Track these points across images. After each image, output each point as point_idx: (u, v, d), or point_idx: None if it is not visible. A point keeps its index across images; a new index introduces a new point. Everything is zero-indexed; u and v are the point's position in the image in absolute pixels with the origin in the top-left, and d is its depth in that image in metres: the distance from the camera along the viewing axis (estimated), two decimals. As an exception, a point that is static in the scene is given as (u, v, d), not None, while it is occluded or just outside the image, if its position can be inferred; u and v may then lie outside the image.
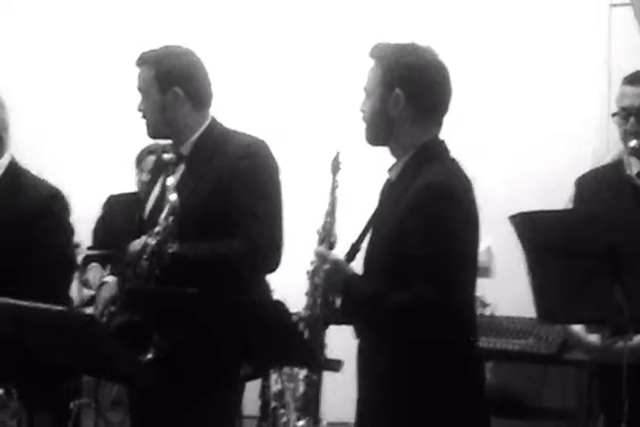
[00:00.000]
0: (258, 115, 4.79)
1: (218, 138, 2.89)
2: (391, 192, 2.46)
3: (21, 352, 2.30)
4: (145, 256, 2.69)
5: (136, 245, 2.75)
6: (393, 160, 2.49)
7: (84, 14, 5.44)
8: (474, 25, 4.82)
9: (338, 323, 2.46)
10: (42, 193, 2.88)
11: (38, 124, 5.32)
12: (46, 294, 2.61)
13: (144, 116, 2.91)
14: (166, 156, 2.90)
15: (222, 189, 2.79)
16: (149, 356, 2.58)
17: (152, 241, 2.68)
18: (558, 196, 3.22)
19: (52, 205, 2.87)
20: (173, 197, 2.69)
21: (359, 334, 2.47)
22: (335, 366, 2.49)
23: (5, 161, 2.92)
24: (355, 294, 2.35)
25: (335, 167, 2.48)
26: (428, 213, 2.27)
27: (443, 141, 2.47)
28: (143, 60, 2.90)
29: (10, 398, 2.41)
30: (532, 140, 4.65)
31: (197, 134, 2.90)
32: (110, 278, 2.89)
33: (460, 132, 4.51)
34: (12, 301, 2.22)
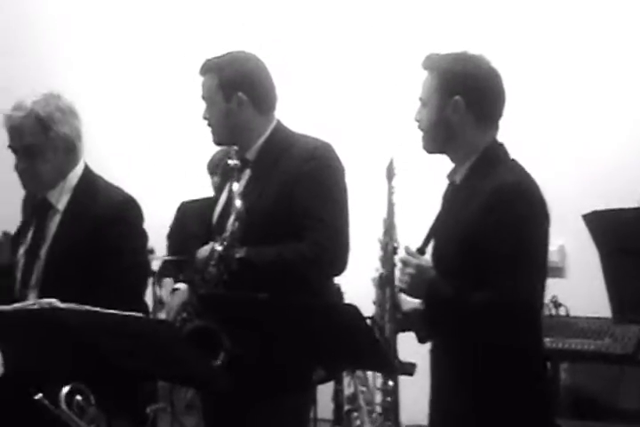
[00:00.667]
0: (316, 120, 4.84)
1: (283, 142, 2.88)
2: (457, 195, 2.49)
3: (99, 359, 2.34)
4: (212, 262, 2.71)
5: (204, 251, 2.77)
6: (444, 165, 2.53)
7: (153, 23, 5.55)
8: (538, 26, 4.78)
9: (403, 330, 2.48)
10: (115, 200, 2.91)
11: (113, 132, 5.46)
12: (122, 299, 2.69)
13: (209, 124, 2.92)
14: (230, 161, 2.86)
15: (288, 193, 2.78)
16: (220, 360, 2.61)
17: (219, 247, 2.70)
18: (632, 194, 3.18)
19: (125, 212, 2.90)
20: (238, 203, 2.70)
21: (422, 339, 2.51)
22: (409, 369, 2.49)
23: (80, 169, 2.95)
24: (438, 296, 2.36)
25: (390, 173, 2.49)
26: (504, 213, 2.31)
27: (502, 144, 2.51)
28: (207, 69, 2.91)
29: (88, 405, 2.45)
30: (605, 139, 4.59)
31: (263, 139, 2.89)
32: (182, 285, 2.92)
33: (532, 132, 4.54)
34: (89, 308, 2.26)
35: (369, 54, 5.13)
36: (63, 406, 2.33)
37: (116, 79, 5.53)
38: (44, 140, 2.84)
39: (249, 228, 2.72)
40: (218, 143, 3.00)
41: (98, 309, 2.24)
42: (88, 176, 2.97)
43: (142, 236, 2.96)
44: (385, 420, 2.43)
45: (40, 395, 2.29)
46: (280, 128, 2.93)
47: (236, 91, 2.84)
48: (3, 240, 2.91)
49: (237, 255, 2.72)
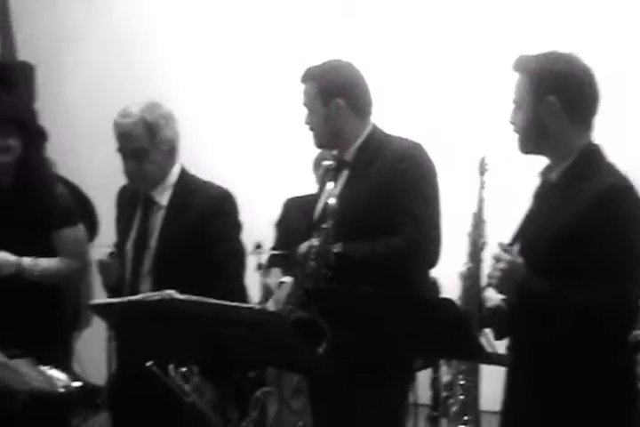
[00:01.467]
0: (413, 118, 5.01)
1: (378, 143, 3.08)
2: (553, 194, 2.50)
3: (215, 346, 2.55)
4: (312, 257, 2.92)
5: (303, 246, 3.00)
6: (535, 162, 2.57)
7: (258, 26, 5.71)
8: (630, 24, 4.81)
9: (485, 326, 2.55)
10: (213, 194, 3.22)
11: (223, 137, 5.66)
12: (226, 281, 3.09)
13: (311, 129, 3.13)
14: (326, 162, 3.13)
15: (383, 192, 2.98)
16: (322, 349, 2.78)
17: (316, 242, 2.92)
18: None
19: (223, 204, 3.21)
20: (332, 200, 2.93)
21: (501, 336, 2.55)
22: (502, 360, 2.59)
23: (178, 168, 3.26)
24: (531, 292, 2.36)
25: (482, 169, 2.56)
26: (613, 214, 2.33)
27: (598, 145, 2.51)
28: (307, 77, 3.12)
29: (192, 374, 2.71)
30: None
31: (360, 141, 3.09)
32: (288, 278, 3.12)
33: (625, 132, 4.56)
34: (206, 299, 2.46)
35: (463, 55, 5.27)
36: (172, 373, 2.58)
37: (226, 84, 5.71)
38: (150, 144, 3.14)
39: (347, 224, 2.93)
40: (319, 146, 3.21)
41: (214, 300, 2.45)
42: (185, 174, 3.28)
43: (239, 226, 3.25)
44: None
45: (151, 363, 2.54)
46: (375, 131, 3.13)
47: (335, 97, 3.05)
48: (110, 261, 3.18)
49: (335, 250, 2.92)
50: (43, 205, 3.41)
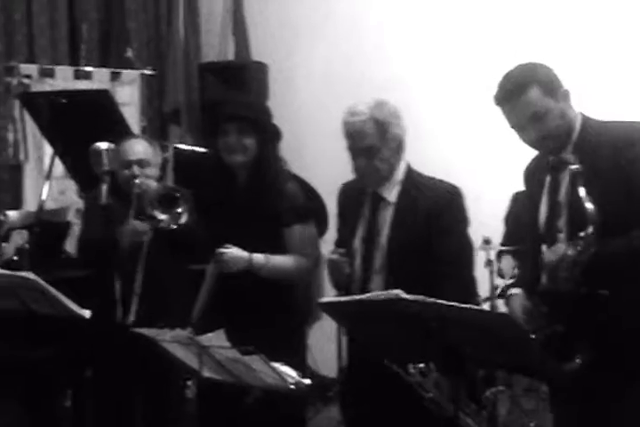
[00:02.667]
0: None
1: (595, 132, 2.81)
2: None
3: (446, 346, 2.53)
4: (566, 266, 2.68)
5: (553, 254, 2.74)
6: None
7: (488, 22, 5.61)
8: None
9: None
10: (442, 189, 3.22)
11: (452, 129, 5.60)
12: (455, 278, 3.10)
13: (548, 136, 2.81)
14: (573, 166, 2.75)
15: (622, 179, 2.73)
16: (576, 362, 2.63)
17: (571, 251, 2.66)
18: None
19: (453, 198, 3.21)
20: (590, 206, 2.64)
21: None
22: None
23: (404, 165, 3.27)
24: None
25: None
26: None
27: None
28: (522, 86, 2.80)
29: (430, 371, 2.71)
30: None
31: (576, 134, 2.82)
32: (517, 291, 2.99)
33: None
34: (432, 300, 2.44)
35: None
36: (411, 369, 2.59)
37: (451, 77, 5.65)
38: (381, 141, 3.16)
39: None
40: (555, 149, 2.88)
41: (441, 300, 2.42)
42: (411, 170, 3.28)
43: (466, 221, 3.23)
44: None
45: (390, 362, 2.56)
46: (587, 119, 2.86)
47: (559, 87, 2.80)
48: (342, 259, 3.24)
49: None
50: (276, 203, 3.49)
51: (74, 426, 4.38)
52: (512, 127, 2.82)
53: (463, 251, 3.21)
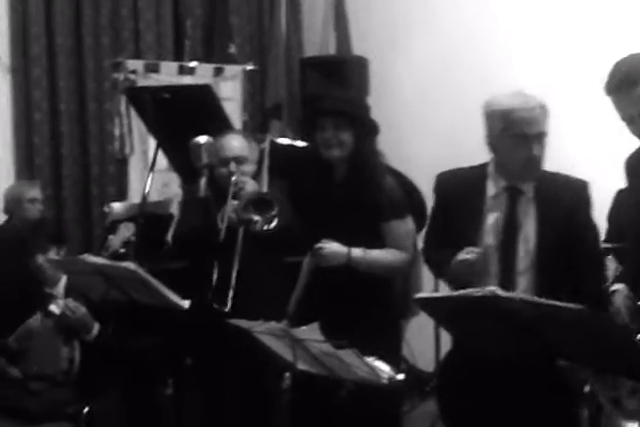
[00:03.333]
0: None
1: None
2: None
3: (544, 344, 2.49)
4: None
5: None
6: None
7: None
8: None
9: None
10: (577, 183, 3.18)
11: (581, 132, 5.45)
12: (599, 274, 3.12)
13: None
14: None
15: None
16: None
17: None
18: None
19: (588, 194, 3.17)
20: None
21: None
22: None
23: None
24: None
25: None
26: None
27: None
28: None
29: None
30: None
31: None
32: (620, 286, 2.92)
33: None
34: (527, 297, 2.41)
35: None
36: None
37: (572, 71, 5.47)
38: (547, 129, 3.10)
39: None
40: None
41: (538, 298, 2.38)
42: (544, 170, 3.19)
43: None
44: None
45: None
46: None
47: None
48: (480, 258, 3.11)
49: None
50: (374, 198, 3.49)
51: (175, 414, 4.46)
52: (622, 119, 2.75)
53: (598, 243, 3.20)
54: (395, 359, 3.45)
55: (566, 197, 3.12)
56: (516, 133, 3.06)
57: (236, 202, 3.67)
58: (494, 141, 3.13)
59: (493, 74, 5.43)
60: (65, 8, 6.05)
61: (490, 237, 3.13)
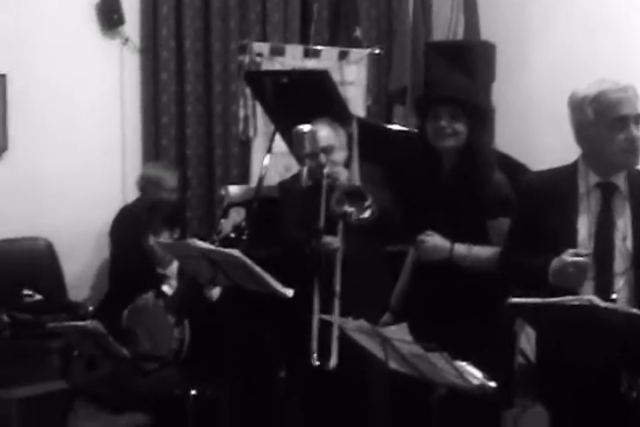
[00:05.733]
0: None
1: None
2: None
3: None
4: None
5: None
6: None
7: None
8: None
9: None
10: None
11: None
12: None
13: None
14: None
15: None
16: None
17: None
18: None
19: None
20: None
21: None
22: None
23: None
24: None
25: None
26: None
27: None
28: None
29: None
30: None
31: None
32: None
33: None
34: (630, 310, 2.29)
35: None
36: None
37: None
38: None
39: None
40: None
41: (633, 310, 2.27)
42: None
43: None
44: None
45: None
46: None
47: None
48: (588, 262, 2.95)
49: None
50: (481, 193, 3.39)
51: (286, 396, 4.47)
52: None
53: None
54: (502, 362, 3.38)
55: None
56: (613, 117, 2.89)
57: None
58: (586, 132, 2.94)
59: (631, 62, 5.20)
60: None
61: (585, 239, 2.93)
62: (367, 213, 3.49)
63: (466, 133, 3.43)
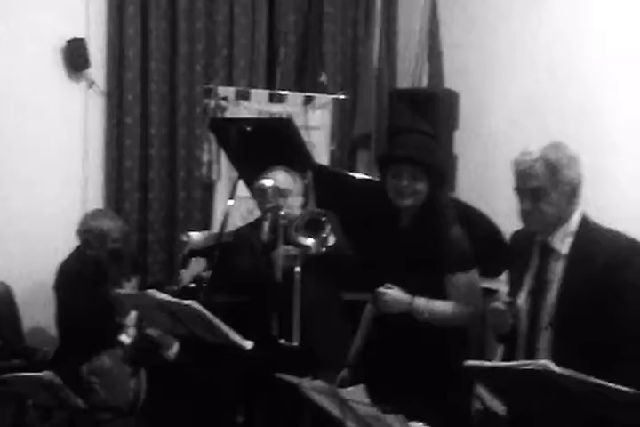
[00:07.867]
0: None
1: None
2: None
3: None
4: None
5: None
6: None
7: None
8: None
9: None
10: (619, 245, 2.93)
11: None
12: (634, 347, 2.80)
13: None
14: None
15: None
16: None
17: None
18: None
19: (631, 258, 2.90)
20: None
21: None
22: None
23: (578, 215, 3.05)
24: None
25: None
26: None
27: None
28: None
29: None
30: None
31: None
32: None
33: None
34: (584, 377, 2.28)
35: None
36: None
37: None
38: (550, 184, 2.97)
39: None
40: None
41: (590, 378, 2.26)
42: (587, 221, 3.05)
43: None
44: None
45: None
46: None
47: None
48: (505, 309, 3.08)
49: None
50: (438, 249, 3.40)
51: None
52: None
53: (636, 320, 2.84)
54: (458, 410, 3.38)
55: (605, 256, 2.90)
56: (514, 187, 3.07)
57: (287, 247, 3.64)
58: None
59: (587, 110, 5.24)
60: (160, 34, 6.12)
61: (524, 294, 3.09)
62: (328, 244, 3.51)
63: (426, 193, 3.44)
